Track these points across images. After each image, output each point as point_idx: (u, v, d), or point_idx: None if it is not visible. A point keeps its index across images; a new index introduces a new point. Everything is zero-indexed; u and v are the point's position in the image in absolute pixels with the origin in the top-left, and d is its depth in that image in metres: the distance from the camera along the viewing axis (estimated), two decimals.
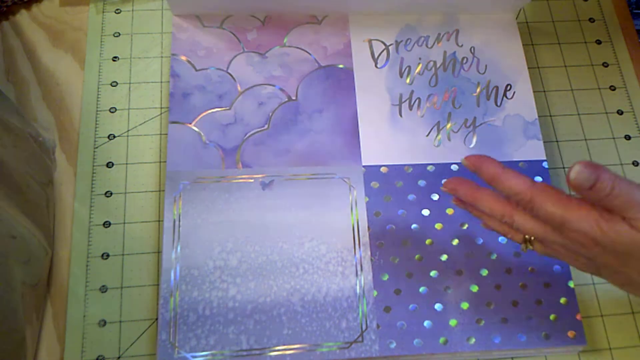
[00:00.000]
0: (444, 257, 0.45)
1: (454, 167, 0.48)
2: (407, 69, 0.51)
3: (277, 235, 0.45)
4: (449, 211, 0.46)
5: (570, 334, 0.43)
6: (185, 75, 0.49)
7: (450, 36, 0.53)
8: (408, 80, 0.51)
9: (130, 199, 0.48)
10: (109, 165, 0.49)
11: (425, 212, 0.46)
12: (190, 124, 0.48)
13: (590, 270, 0.37)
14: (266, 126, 0.48)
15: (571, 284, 0.45)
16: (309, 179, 0.47)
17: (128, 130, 0.50)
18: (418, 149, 0.48)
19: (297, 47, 0.51)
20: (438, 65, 0.52)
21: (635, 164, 0.52)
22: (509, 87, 0.51)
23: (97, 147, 0.49)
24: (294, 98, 0.49)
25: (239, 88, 0.49)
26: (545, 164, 0.48)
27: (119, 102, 0.51)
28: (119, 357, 0.43)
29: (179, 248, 0.44)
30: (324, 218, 0.45)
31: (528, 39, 0.56)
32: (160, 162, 0.49)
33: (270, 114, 0.49)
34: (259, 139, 0.48)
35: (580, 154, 0.52)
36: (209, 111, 0.48)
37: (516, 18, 0.54)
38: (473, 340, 0.43)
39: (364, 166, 0.47)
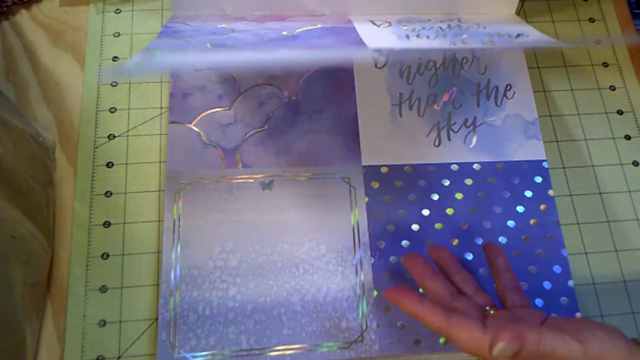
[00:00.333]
0: None
1: (454, 167, 0.48)
2: (407, 69, 0.51)
3: (277, 235, 0.45)
4: (449, 211, 0.46)
5: None
6: (185, 75, 0.49)
7: None
8: (408, 81, 0.51)
9: (130, 199, 0.48)
10: (109, 165, 0.49)
11: (425, 212, 0.46)
12: (190, 124, 0.48)
13: None
14: (266, 126, 0.48)
15: (571, 284, 0.45)
16: (309, 179, 0.47)
17: (128, 130, 0.50)
18: (418, 149, 0.48)
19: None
20: (438, 65, 0.52)
21: (635, 164, 0.52)
22: (509, 87, 0.51)
23: (97, 147, 0.49)
24: (293, 98, 0.49)
25: (238, 88, 0.49)
26: (545, 164, 0.48)
27: (119, 102, 0.51)
28: (119, 357, 0.43)
29: (179, 248, 0.44)
30: (323, 218, 0.45)
31: None
32: (160, 162, 0.49)
33: (270, 114, 0.49)
34: (259, 139, 0.48)
35: (580, 154, 0.52)
36: (209, 111, 0.48)
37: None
38: None
39: (364, 166, 0.47)
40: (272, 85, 0.50)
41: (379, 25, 0.49)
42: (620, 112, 0.54)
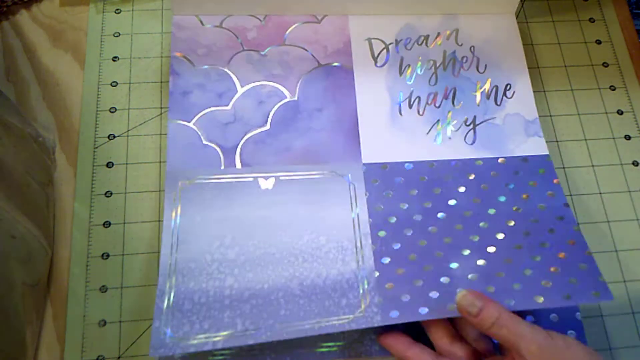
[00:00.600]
0: (448, 240, 0.44)
1: (455, 164, 0.48)
2: (406, 68, 0.51)
3: (276, 230, 0.44)
4: (452, 202, 0.46)
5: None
6: (185, 73, 0.49)
7: (450, 35, 0.53)
8: (408, 79, 0.51)
9: (130, 199, 0.48)
10: (109, 165, 0.49)
11: (428, 204, 0.46)
12: (189, 122, 0.48)
13: None
14: (266, 125, 0.48)
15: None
16: (309, 178, 0.47)
17: (128, 130, 0.50)
18: (418, 147, 0.48)
19: (297, 46, 0.51)
20: (438, 65, 0.52)
21: (635, 164, 0.52)
22: (508, 86, 0.51)
23: (97, 147, 0.49)
24: (293, 97, 0.49)
25: (238, 87, 0.49)
26: (547, 159, 0.48)
27: (119, 102, 0.51)
28: (119, 357, 0.43)
29: (177, 245, 0.44)
30: (324, 214, 0.45)
31: (528, 39, 0.56)
32: (160, 162, 0.49)
33: (270, 113, 0.49)
34: (258, 138, 0.48)
35: (580, 154, 0.52)
36: (209, 110, 0.48)
37: (516, 17, 0.54)
38: None
39: (364, 164, 0.47)
40: (271, 83, 0.50)
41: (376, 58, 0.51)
42: (620, 112, 0.54)
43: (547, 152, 0.48)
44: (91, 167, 0.49)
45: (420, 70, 0.51)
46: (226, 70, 0.50)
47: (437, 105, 0.50)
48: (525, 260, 0.43)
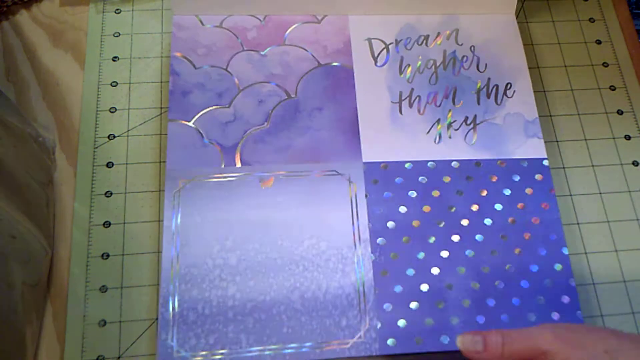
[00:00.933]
0: (445, 254, 0.45)
1: (455, 164, 0.48)
2: (406, 67, 0.51)
3: (276, 233, 0.45)
4: (450, 208, 0.46)
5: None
6: (185, 73, 0.49)
7: (450, 35, 0.53)
8: (408, 79, 0.51)
9: (130, 199, 0.48)
10: (109, 165, 0.49)
11: (426, 208, 0.46)
12: (189, 122, 0.48)
13: None
14: (266, 124, 0.48)
15: (572, 283, 0.44)
16: (309, 177, 0.47)
17: (128, 130, 0.50)
18: (418, 146, 0.48)
19: (297, 46, 0.51)
20: (438, 64, 0.52)
21: (635, 164, 0.52)
22: (509, 85, 0.51)
23: (97, 147, 0.49)
24: (293, 96, 0.49)
25: (238, 86, 0.49)
26: (545, 162, 0.48)
27: (119, 102, 0.51)
28: (119, 357, 0.43)
29: (178, 247, 0.44)
30: (323, 215, 0.45)
31: (528, 39, 0.56)
32: (160, 162, 0.49)
33: (270, 112, 0.49)
34: (258, 137, 0.48)
35: (580, 154, 0.52)
36: (209, 109, 0.48)
37: (516, 17, 0.54)
38: None
39: (364, 163, 0.47)
40: (271, 82, 0.50)
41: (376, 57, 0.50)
42: (620, 112, 0.54)
43: (545, 156, 0.48)
44: (91, 167, 0.49)
45: (421, 70, 0.51)
46: (226, 70, 0.50)
47: (437, 104, 0.50)
48: (513, 289, 0.44)
